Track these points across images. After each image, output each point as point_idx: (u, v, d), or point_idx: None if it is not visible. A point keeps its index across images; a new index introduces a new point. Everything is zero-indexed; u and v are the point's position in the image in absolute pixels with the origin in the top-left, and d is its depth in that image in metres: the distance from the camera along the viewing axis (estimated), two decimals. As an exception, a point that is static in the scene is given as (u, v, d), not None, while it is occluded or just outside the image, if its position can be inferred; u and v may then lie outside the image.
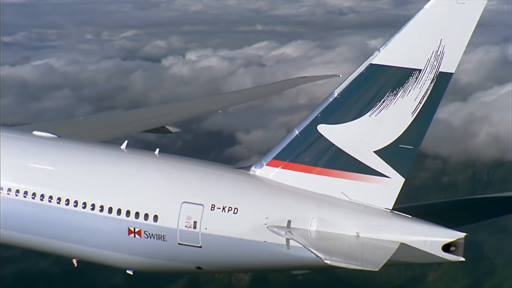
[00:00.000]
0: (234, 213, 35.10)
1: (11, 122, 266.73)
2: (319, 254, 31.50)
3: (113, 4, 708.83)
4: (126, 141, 40.99)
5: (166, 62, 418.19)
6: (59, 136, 41.85)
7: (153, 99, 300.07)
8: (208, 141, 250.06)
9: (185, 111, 65.55)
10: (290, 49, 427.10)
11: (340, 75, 55.09)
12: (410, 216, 34.41)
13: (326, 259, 31.09)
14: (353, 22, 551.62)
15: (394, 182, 34.04)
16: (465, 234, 32.75)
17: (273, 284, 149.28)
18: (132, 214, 36.30)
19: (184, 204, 35.65)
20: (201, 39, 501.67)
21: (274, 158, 36.18)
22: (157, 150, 39.87)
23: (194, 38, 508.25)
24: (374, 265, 30.84)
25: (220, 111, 65.14)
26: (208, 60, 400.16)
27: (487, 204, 41.66)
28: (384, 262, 31.18)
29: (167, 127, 60.02)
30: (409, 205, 35.78)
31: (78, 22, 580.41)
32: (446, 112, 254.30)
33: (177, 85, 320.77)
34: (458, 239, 32.53)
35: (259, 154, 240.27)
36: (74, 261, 40.60)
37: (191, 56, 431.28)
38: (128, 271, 39.40)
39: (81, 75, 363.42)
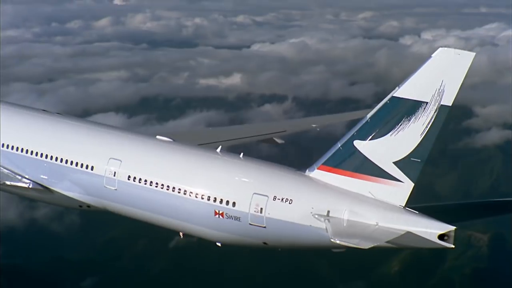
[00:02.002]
0: (289, 203, 42.45)
1: (273, 93, 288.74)
2: (331, 235, 39.81)
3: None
4: (220, 146, 49.45)
5: (403, 41, 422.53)
6: (174, 140, 49.86)
7: (396, 75, 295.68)
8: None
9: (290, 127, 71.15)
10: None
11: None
12: (417, 212, 40.87)
13: (332, 239, 39.74)
14: None
15: (406, 185, 40.94)
16: (455, 227, 38.91)
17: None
18: (218, 201, 44.11)
19: (254, 195, 43.28)
20: (431, 20, 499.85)
21: (323, 164, 43.34)
22: (241, 154, 47.72)
23: (425, 20, 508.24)
24: (380, 242, 38.94)
25: (318, 128, 69.73)
26: (445, 40, 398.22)
27: (488, 206, 47.79)
28: (389, 239, 39.15)
29: (274, 139, 66.23)
30: (424, 205, 41.98)
31: (320, 4, 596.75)
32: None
33: (417, 62, 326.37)
34: (450, 231, 39.04)
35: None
36: (181, 234, 48.12)
37: (427, 35, 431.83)
38: (217, 243, 46.56)
39: (332, 52, 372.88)
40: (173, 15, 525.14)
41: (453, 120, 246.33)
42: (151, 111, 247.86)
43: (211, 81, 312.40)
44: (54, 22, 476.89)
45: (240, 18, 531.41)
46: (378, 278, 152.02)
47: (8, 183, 49.48)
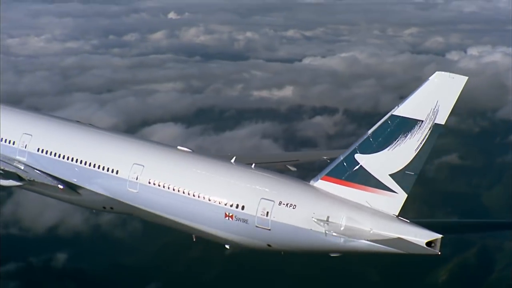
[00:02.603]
0: (293, 208, 45.61)
1: (324, 106, 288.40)
2: (317, 227, 43.84)
3: (397, 5, 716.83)
4: (234, 157, 52.82)
5: (450, 56, 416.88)
6: (192, 151, 53.83)
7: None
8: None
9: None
10: None
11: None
12: (408, 221, 43.77)
13: (327, 234, 43.76)
14: None
15: (400, 196, 44.00)
16: (441, 236, 41.99)
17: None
18: (228, 204, 47.33)
19: (262, 199, 46.57)
20: (476, 36, 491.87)
21: (326, 175, 46.84)
22: (253, 164, 51.82)
23: (470, 36, 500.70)
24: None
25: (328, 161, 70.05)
26: (492, 56, 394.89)
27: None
28: (381, 244, 42.72)
29: (288, 166, 69.44)
30: (426, 220, 44.70)
31: (367, 20, 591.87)
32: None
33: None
34: (437, 239, 42.04)
35: None
36: (194, 236, 51.24)
37: (473, 51, 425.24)
38: (226, 246, 49.92)
39: (381, 66, 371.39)
40: (226, 29, 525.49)
41: (500, 134, 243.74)
42: (207, 122, 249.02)
43: (264, 93, 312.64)
44: (112, 35, 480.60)
45: (290, 33, 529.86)
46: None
47: (39, 182, 52.32)
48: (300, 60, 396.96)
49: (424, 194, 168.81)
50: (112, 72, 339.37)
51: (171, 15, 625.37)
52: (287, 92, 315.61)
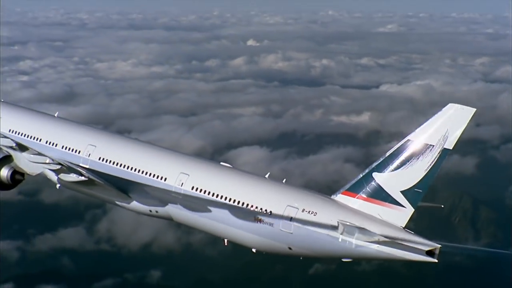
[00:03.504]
0: (314, 215, 48.09)
1: (401, 131, 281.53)
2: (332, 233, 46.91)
3: (468, 35, 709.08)
4: (268, 173, 55.58)
5: None
6: (232, 167, 56.77)
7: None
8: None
9: None
10: None
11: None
12: (412, 232, 46.35)
13: (341, 239, 46.55)
14: None
15: (408, 210, 46.61)
16: (440, 245, 44.99)
17: None
18: (259, 209, 49.93)
19: (287, 206, 49.17)
20: None
21: (346, 190, 49.18)
22: (284, 180, 54.44)
23: None
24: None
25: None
26: None
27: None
28: (386, 251, 45.74)
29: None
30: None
31: (439, 49, 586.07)
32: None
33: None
34: (436, 248, 44.94)
35: None
36: (225, 241, 53.99)
37: None
38: (253, 250, 52.60)
39: (455, 95, 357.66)
40: (302, 56, 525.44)
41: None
42: (290, 146, 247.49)
43: (343, 118, 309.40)
44: (194, 60, 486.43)
45: (364, 60, 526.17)
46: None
47: (97, 181, 55.13)
48: (377, 87, 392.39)
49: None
50: (197, 96, 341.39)
51: (250, 42, 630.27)
52: (365, 117, 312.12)
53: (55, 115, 64.64)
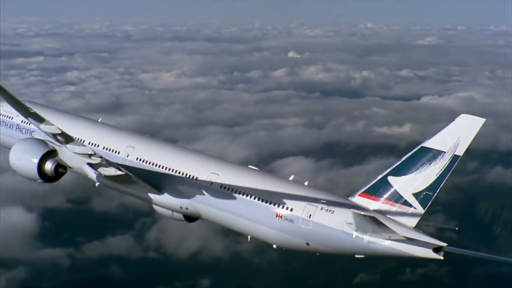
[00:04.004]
0: (331, 213, 49.98)
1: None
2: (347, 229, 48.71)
3: (507, 47, 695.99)
4: (292, 175, 56.66)
5: None
6: (260, 170, 58.51)
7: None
8: None
9: None
10: None
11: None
12: (421, 231, 48.00)
13: (355, 236, 48.46)
14: None
15: (418, 211, 48.58)
16: (446, 244, 46.56)
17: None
18: (280, 206, 51.98)
19: (307, 205, 51.10)
20: None
21: (362, 192, 50.70)
22: (306, 182, 55.38)
23: None
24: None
25: None
26: None
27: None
28: (396, 247, 47.49)
29: None
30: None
31: (478, 61, 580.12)
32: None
33: None
34: (442, 246, 46.50)
35: None
36: (248, 237, 55.19)
37: None
38: (273, 246, 53.70)
39: (497, 106, 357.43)
40: (343, 68, 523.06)
41: None
42: (334, 156, 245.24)
43: (385, 129, 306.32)
44: (236, 71, 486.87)
45: (403, 72, 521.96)
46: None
47: (132, 177, 56.64)
48: (418, 99, 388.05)
49: None
50: (241, 106, 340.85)
51: (291, 54, 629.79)
52: (406, 129, 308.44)
53: (99, 120, 66.41)
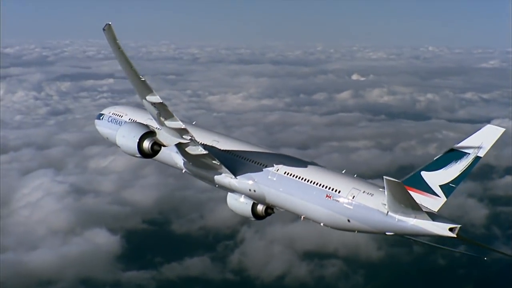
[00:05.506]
0: (371, 196, 56.29)
1: None
2: (382, 209, 55.03)
3: None
4: (344, 170, 62.34)
5: None
6: (321, 166, 63.17)
7: None
8: None
9: None
10: None
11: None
12: (441, 215, 53.93)
13: (387, 214, 54.59)
14: None
15: (441, 200, 55.18)
16: (460, 225, 53.30)
17: None
18: (330, 188, 58.20)
19: (352, 188, 57.38)
20: None
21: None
22: (355, 175, 61.01)
23: None
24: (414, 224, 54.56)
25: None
26: None
27: None
28: (419, 224, 53.62)
29: None
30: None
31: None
32: None
33: None
34: (456, 227, 53.08)
35: None
36: (302, 217, 61.22)
37: None
38: (321, 224, 59.88)
39: None
40: (407, 91, 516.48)
41: None
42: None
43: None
44: (302, 94, 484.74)
45: (468, 95, 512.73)
46: None
47: (212, 158, 63.15)
48: (488, 122, 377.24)
49: None
50: (312, 129, 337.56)
51: (355, 77, 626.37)
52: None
53: (193, 123, 71.73)
